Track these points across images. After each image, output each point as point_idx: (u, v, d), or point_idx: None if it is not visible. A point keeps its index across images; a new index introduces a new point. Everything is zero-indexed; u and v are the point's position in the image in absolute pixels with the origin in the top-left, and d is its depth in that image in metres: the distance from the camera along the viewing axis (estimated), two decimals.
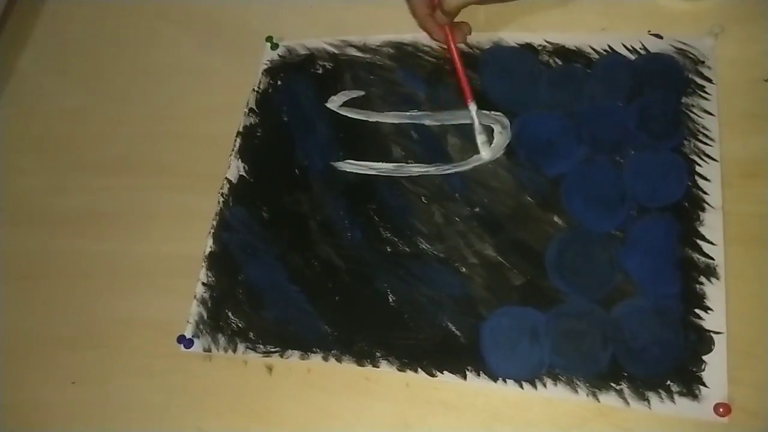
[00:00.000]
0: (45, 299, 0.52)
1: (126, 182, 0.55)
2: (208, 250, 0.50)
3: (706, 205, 0.43)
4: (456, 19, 0.49)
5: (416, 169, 0.49)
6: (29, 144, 0.60)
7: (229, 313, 0.48)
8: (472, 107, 0.48)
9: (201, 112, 0.56)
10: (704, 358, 0.40)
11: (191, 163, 0.54)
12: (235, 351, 0.46)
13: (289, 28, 0.57)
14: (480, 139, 0.48)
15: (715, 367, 0.39)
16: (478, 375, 0.42)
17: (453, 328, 0.44)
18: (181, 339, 0.47)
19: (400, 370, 0.43)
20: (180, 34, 0.60)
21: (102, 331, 0.50)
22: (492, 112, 0.49)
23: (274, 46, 0.57)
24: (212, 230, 0.51)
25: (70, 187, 0.57)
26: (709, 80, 0.46)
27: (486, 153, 0.48)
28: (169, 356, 0.47)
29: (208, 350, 0.47)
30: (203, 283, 0.49)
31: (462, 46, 0.51)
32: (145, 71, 0.60)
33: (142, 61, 0.60)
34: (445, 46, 0.50)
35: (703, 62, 0.47)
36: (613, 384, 0.40)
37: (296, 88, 0.55)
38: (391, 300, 0.45)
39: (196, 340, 0.47)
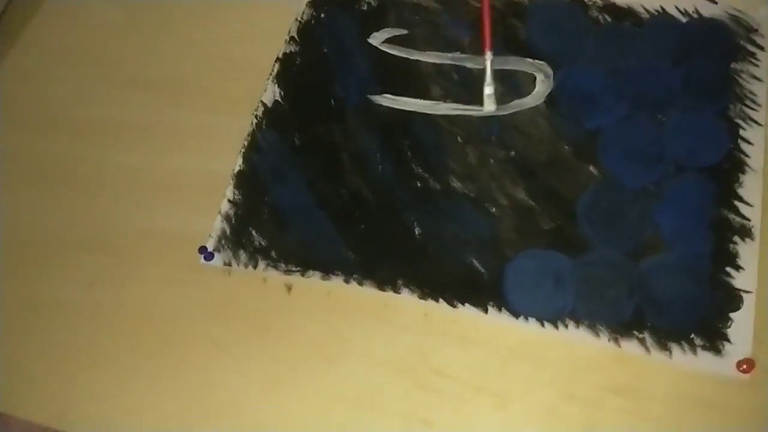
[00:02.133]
0: (68, 203, 0.52)
1: (159, 98, 0.55)
2: (237, 168, 0.50)
3: (746, 168, 0.42)
4: None
5: (454, 108, 0.49)
6: (65, 55, 0.60)
7: (253, 231, 0.47)
8: (488, 55, 0.47)
9: (241, 36, 0.56)
10: (731, 315, 0.39)
11: (227, 85, 0.54)
12: (255, 267, 0.46)
13: None
14: (487, 90, 0.47)
15: (741, 324, 0.39)
16: (500, 311, 0.42)
17: (477, 265, 0.43)
18: (203, 250, 0.47)
19: (421, 298, 0.43)
20: None
21: (122, 238, 0.50)
22: (536, 61, 0.49)
23: None
24: (243, 150, 0.50)
25: (101, 99, 0.56)
26: (761, 48, 0.46)
27: (490, 106, 0.47)
28: (188, 267, 0.47)
29: (228, 264, 0.47)
30: (229, 200, 0.49)
31: None
32: None
33: None
34: None
35: (757, 30, 0.46)
36: (635, 332, 0.40)
37: (339, 21, 0.54)
38: (417, 233, 0.45)
39: (216, 254, 0.47)
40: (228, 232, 0.48)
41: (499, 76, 0.49)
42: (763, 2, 0.47)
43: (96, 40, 0.60)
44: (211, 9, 0.58)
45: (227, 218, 0.48)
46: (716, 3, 0.48)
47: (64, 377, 0.46)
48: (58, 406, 0.45)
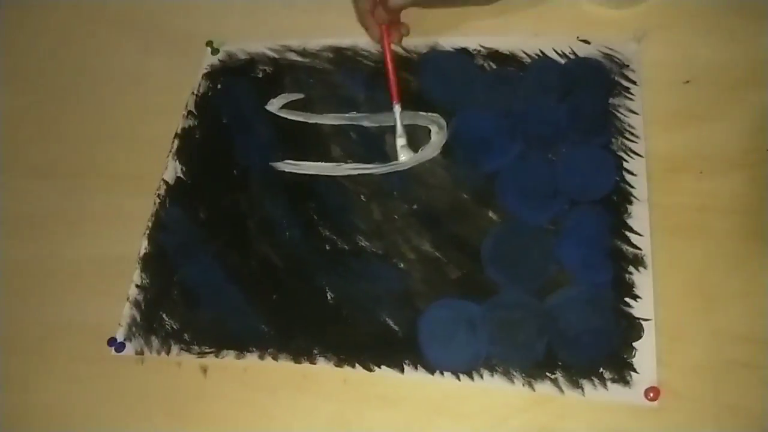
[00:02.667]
0: None
1: (59, 184, 0.54)
2: (143, 251, 0.49)
3: (633, 198, 0.44)
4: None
5: (355, 168, 0.49)
6: None
7: (164, 315, 0.46)
8: (396, 108, 0.49)
9: (139, 114, 0.55)
10: (634, 344, 0.40)
11: (128, 165, 0.53)
12: (168, 353, 0.45)
13: (230, 32, 0.57)
14: (399, 142, 0.49)
15: (644, 352, 0.40)
16: (416, 368, 0.42)
17: (391, 323, 0.44)
18: (112, 342, 0.46)
19: (337, 366, 0.43)
20: (120, 36, 0.60)
21: (28, 336, 0.48)
22: (429, 114, 0.50)
23: (215, 51, 0.57)
24: (147, 231, 0.49)
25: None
26: (634, 82, 0.48)
27: (404, 156, 0.48)
28: (99, 360, 0.46)
29: (141, 353, 0.45)
30: (137, 285, 0.48)
31: (399, 49, 0.52)
32: (85, 73, 0.59)
33: (82, 62, 0.59)
34: (380, 46, 0.50)
35: (628, 66, 0.49)
36: (548, 373, 0.41)
37: (236, 91, 0.55)
38: (329, 297, 0.45)
39: (128, 343, 0.46)
40: (138, 318, 0.47)
41: (394, 130, 0.50)
42: (631, 38, 0.49)
43: None
44: (110, 88, 0.58)
45: (136, 304, 0.47)
46: (590, 43, 0.50)
47: None
48: None
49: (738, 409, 0.38)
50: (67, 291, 0.49)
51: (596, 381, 0.40)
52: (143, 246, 0.49)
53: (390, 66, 0.49)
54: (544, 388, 0.40)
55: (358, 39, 0.54)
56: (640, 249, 0.43)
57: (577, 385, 0.40)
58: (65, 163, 0.55)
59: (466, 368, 0.42)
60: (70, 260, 0.50)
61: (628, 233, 0.43)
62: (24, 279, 0.50)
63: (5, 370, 0.47)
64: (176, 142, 0.53)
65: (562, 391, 0.40)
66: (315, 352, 0.43)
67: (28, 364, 0.47)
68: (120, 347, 0.46)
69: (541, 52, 0.51)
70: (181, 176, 0.51)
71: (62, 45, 0.61)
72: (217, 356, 0.44)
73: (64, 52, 0.61)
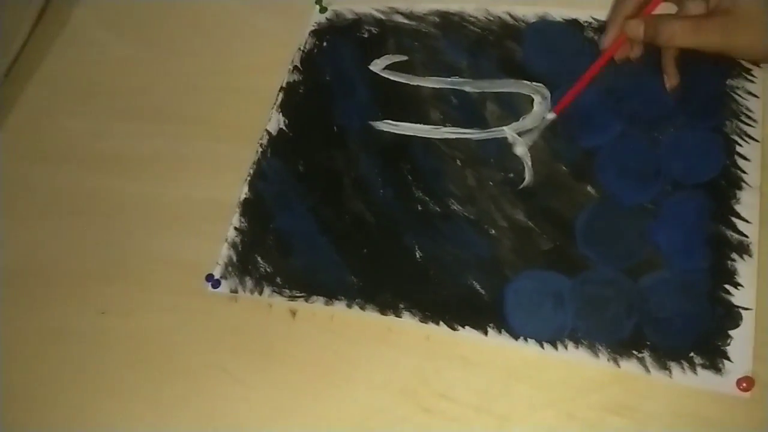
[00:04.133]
0: (77, 234, 0.54)
1: (166, 129, 0.57)
2: (243, 196, 0.51)
3: (743, 184, 0.42)
4: None
5: (453, 132, 0.49)
6: (76, 90, 0.62)
7: (258, 258, 0.49)
8: (550, 116, 0.47)
9: (246, 67, 0.57)
10: (731, 332, 0.39)
11: (233, 115, 0.55)
12: (261, 294, 0.47)
13: None
14: (524, 143, 0.47)
15: (741, 342, 0.39)
16: (500, 332, 0.42)
17: (477, 287, 0.44)
18: (210, 278, 0.48)
19: (422, 322, 0.43)
20: None
21: (131, 267, 0.51)
22: (534, 83, 0.49)
23: (323, 10, 0.58)
24: (248, 178, 0.52)
25: (110, 132, 0.58)
26: (757, 63, 0.46)
27: (519, 150, 0.47)
28: (196, 295, 0.48)
29: (235, 291, 0.48)
30: (235, 228, 0.50)
31: (508, 18, 0.52)
32: (194, 26, 0.61)
33: (192, 15, 0.62)
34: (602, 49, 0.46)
35: None
36: (635, 351, 0.40)
37: (341, 50, 0.56)
38: (418, 256, 0.46)
39: (223, 281, 0.48)
40: (234, 259, 0.49)
41: (497, 98, 0.49)
42: None
43: (105, 75, 0.62)
44: (215, 40, 0.60)
45: (234, 245, 0.49)
46: None
47: (74, 405, 0.47)
48: None
49: None
50: (171, 228, 0.52)
51: (686, 365, 0.39)
52: (244, 192, 0.51)
53: (587, 77, 0.45)
54: (629, 366, 0.40)
55: (466, 5, 0.53)
56: (746, 236, 0.41)
57: (665, 367, 0.39)
58: (171, 111, 0.58)
59: (551, 338, 0.41)
60: (175, 200, 0.53)
61: (734, 219, 0.42)
62: (132, 213, 0.54)
63: (111, 293, 0.50)
64: (281, 95, 0.55)
65: (648, 370, 0.39)
66: (401, 306, 0.44)
67: (132, 289, 0.50)
68: (216, 284, 0.48)
69: None
70: (284, 128, 0.53)
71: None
72: (306, 301, 0.46)
73: (175, 4, 0.64)
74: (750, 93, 0.45)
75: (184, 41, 0.61)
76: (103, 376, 0.47)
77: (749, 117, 0.44)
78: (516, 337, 0.42)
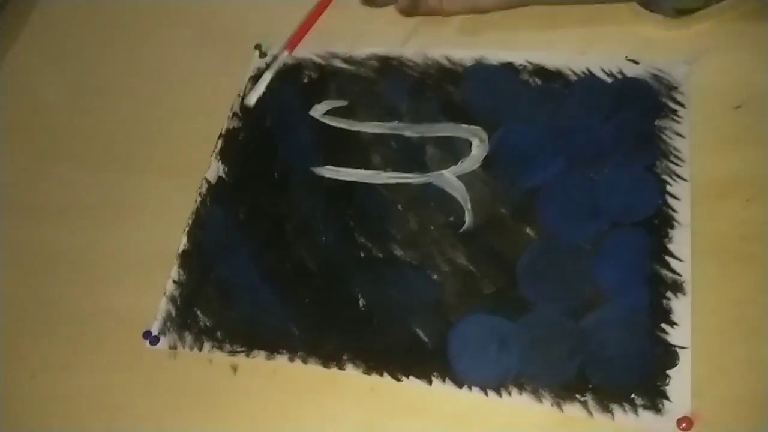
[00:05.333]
0: (7, 290, 0.52)
1: (104, 177, 0.55)
2: (182, 248, 0.50)
3: (675, 223, 0.44)
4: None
5: (394, 177, 0.50)
6: (8, 133, 0.60)
7: (198, 312, 0.47)
8: (283, 55, 0.49)
9: (185, 112, 0.57)
10: (669, 372, 0.40)
11: (171, 162, 0.54)
12: (201, 349, 0.46)
13: (278, 36, 0.58)
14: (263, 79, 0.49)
15: (679, 381, 0.39)
16: (444, 381, 0.42)
17: (421, 334, 0.44)
18: (147, 335, 0.47)
19: (365, 373, 0.43)
20: (171, 35, 0.61)
21: (66, 323, 0.49)
22: (471, 126, 0.50)
23: (263, 54, 0.58)
24: (187, 228, 0.51)
25: (43, 177, 0.57)
26: (682, 105, 0.47)
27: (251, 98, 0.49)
28: (133, 351, 0.47)
29: (174, 347, 0.46)
30: (174, 281, 0.49)
31: (445, 62, 0.53)
32: (133, 70, 0.60)
33: (132, 59, 0.61)
34: None
35: (677, 88, 0.48)
36: (578, 395, 0.40)
37: (281, 95, 0.55)
38: (361, 303, 0.45)
39: (162, 337, 0.47)
40: (173, 313, 0.48)
41: (437, 142, 0.50)
42: (682, 61, 0.49)
43: (40, 117, 0.60)
44: (155, 84, 0.59)
45: (172, 299, 0.48)
46: (638, 63, 0.49)
47: None
48: None
49: None
50: (107, 281, 0.50)
51: (627, 406, 0.39)
52: (182, 242, 0.50)
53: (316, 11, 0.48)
54: (572, 409, 0.40)
55: (404, 49, 0.54)
56: (679, 275, 0.42)
57: (606, 409, 0.39)
58: (109, 156, 0.57)
59: (495, 384, 0.41)
60: (111, 250, 0.51)
61: (668, 258, 0.43)
62: (66, 266, 0.52)
63: (43, 352, 0.48)
64: (220, 142, 0.54)
65: (591, 414, 0.39)
66: (344, 357, 0.43)
67: (66, 348, 0.48)
68: (155, 341, 0.47)
69: (588, 70, 0.50)
70: (223, 176, 0.52)
71: (113, 41, 0.63)
72: (247, 356, 0.45)
73: (115, 46, 0.63)
74: (677, 133, 0.46)
75: (122, 85, 0.60)
76: None
77: (677, 157, 0.46)
78: (460, 385, 0.42)
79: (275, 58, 0.47)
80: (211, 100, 0.56)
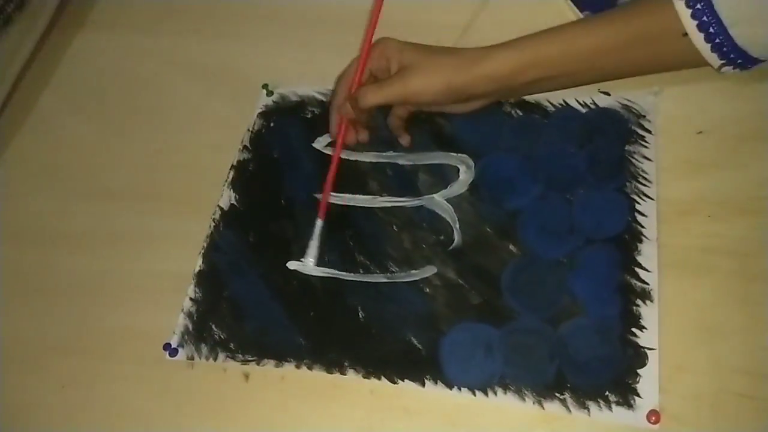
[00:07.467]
0: (41, 311, 0.56)
1: (125, 207, 0.60)
2: (198, 268, 0.55)
3: (643, 238, 0.48)
4: None
5: (389, 201, 0.54)
6: (39, 171, 0.66)
7: (213, 326, 0.52)
8: (318, 223, 0.53)
9: (199, 147, 0.62)
10: (639, 371, 0.44)
11: (187, 192, 0.59)
12: (216, 359, 0.50)
13: (283, 77, 0.63)
14: (312, 246, 0.53)
15: (648, 379, 0.43)
16: (436, 383, 0.46)
17: (415, 342, 0.48)
18: (167, 347, 0.51)
19: (365, 378, 0.47)
20: (186, 79, 0.67)
21: (93, 339, 0.54)
22: (459, 154, 0.55)
23: (270, 93, 0.63)
24: (202, 251, 0.55)
25: (72, 211, 0.62)
26: (649, 131, 0.52)
27: (309, 260, 0.52)
28: (154, 363, 0.51)
29: (191, 358, 0.51)
30: (191, 298, 0.53)
31: None
32: (153, 111, 0.66)
33: (151, 102, 0.67)
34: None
35: (645, 116, 0.53)
36: (557, 394, 0.44)
37: (287, 129, 0.61)
38: (361, 316, 0.50)
39: (180, 349, 0.51)
40: (190, 327, 0.52)
41: (428, 169, 0.55)
42: (649, 92, 0.54)
43: (68, 156, 0.66)
44: (174, 125, 0.65)
45: (189, 315, 0.53)
46: (610, 95, 0.55)
47: None
48: None
49: None
50: (130, 300, 0.55)
51: (602, 403, 0.43)
52: (198, 264, 0.55)
53: (333, 167, 0.53)
54: (552, 407, 0.44)
55: None
56: (647, 284, 0.46)
57: (583, 406, 0.44)
58: (129, 189, 0.62)
59: (482, 385, 0.46)
60: (134, 274, 0.56)
61: (637, 269, 0.47)
62: (93, 288, 0.56)
63: (73, 366, 0.53)
64: (232, 173, 0.59)
65: (569, 410, 0.44)
66: (345, 364, 0.48)
67: (93, 362, 0.53)
68: (173, 352, 0.51)
69: (564, 101, 0.55)
70: (235, 203, 0.58)
71: (134, 86, 0.69)
72: (258, 364, 0.49)
73: (135, 91, 0.68)
74: (645, 157, 0.51)
75: (142, 125, 0.66)
76: None
77: (645, 178, 0.50)
78: (450, 387, 0.46)
79: (316, 228, 0.53)
80: (222, 136, 0.62)
